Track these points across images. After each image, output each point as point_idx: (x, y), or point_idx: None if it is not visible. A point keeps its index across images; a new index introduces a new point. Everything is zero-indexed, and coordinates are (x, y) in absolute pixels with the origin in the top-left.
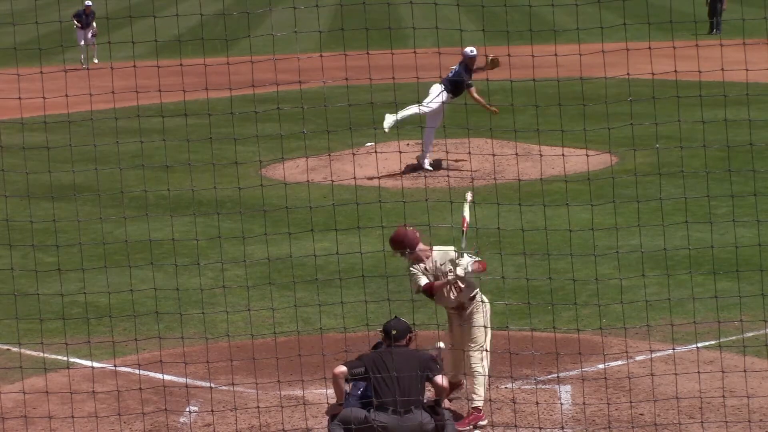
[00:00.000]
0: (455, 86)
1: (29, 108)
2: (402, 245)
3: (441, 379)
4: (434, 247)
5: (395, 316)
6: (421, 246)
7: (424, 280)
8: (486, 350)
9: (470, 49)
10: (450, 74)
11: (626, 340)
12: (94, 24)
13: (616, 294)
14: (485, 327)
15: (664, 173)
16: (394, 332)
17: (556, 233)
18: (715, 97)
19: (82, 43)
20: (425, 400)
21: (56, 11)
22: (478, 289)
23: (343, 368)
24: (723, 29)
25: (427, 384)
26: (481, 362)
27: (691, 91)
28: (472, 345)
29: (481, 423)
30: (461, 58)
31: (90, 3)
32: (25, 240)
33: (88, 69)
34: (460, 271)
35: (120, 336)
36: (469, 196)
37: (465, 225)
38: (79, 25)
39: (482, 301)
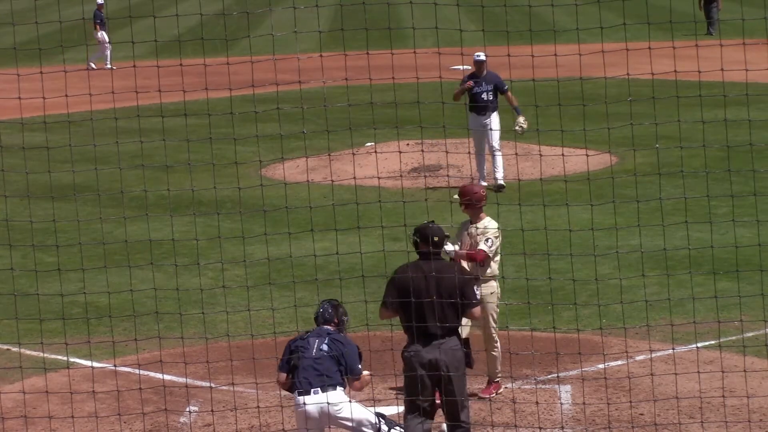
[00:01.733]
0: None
1: (29, 108)
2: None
3: (477, 312)
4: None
5: (432, 221)
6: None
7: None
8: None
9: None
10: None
11: (626, 340)
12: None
13: (616, 294)
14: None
15: (663, 173)
16: (436, 239)
17: (556, 233)
18: (715, 97)
19: (106, 43)
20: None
21: (56, 11)
22: (495, 282)
23: (385, 310)
24: (722, 29)
25: None
26: (497, 343)
27: (690, 91)
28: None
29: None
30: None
31: (102, 1)
32: (25, 240)
33: (112, 69)
34: (449, 247)
35: (120, 336)
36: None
37: None
38: (97, 26)
39: (491, 293)
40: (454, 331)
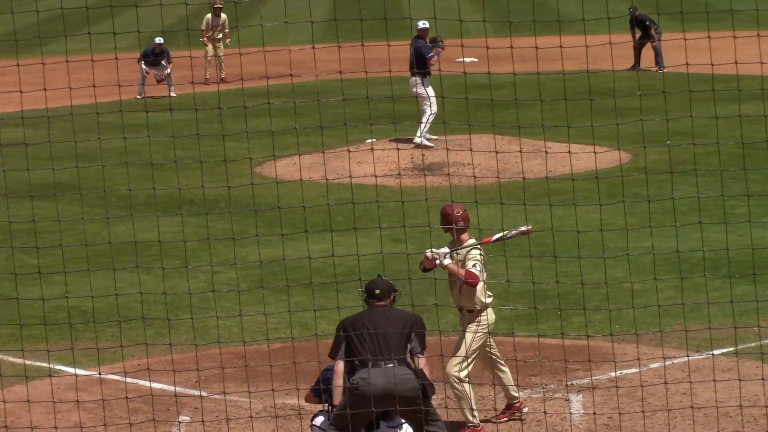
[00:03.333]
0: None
1: (5, 103)
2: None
3: (423, 362)
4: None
5: (378, 275)
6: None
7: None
8: (459, 378)
9: (422, 22)
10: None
11: (639, 347)
12: (167, 71)
13: (628, 298)
14: (466, 353)
15: (678, 171)
16: (377, 291)
17: (565, 234)
18: (730, 91)
19: (143, 74)
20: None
21: (33, 1)
22: (485, 314)
23: (340, 363)
24: (736, 20)
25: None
26: (459, 384)
27: (704, 85)
28: (453, 362)
29: None
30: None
31: (161, 41)
32: (5, 241)
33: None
34: (446, 260)
35: (106, 342)
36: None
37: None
38: (146, 69)
39: (476, 329)
40: (404, 361)
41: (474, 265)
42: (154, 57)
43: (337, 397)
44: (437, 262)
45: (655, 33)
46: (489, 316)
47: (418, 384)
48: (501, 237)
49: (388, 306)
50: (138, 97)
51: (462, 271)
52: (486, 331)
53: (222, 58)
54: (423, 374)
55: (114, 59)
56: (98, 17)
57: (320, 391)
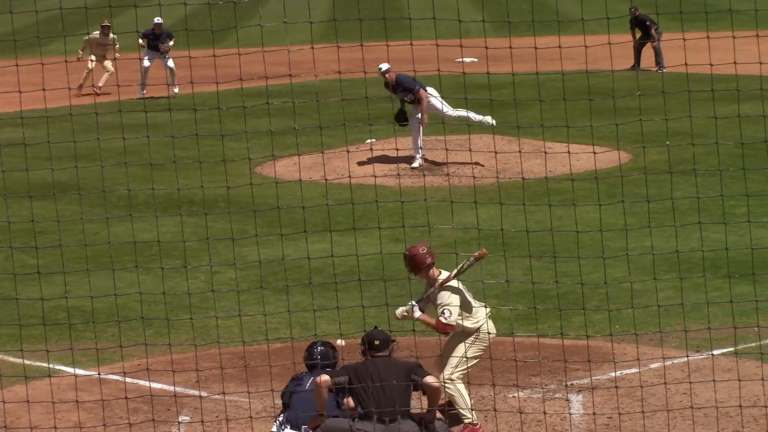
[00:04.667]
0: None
1: (4, 103)
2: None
3: (432, 379)
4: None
5: (375, 327)
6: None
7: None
8: (451, 379)
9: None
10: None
11: (638, 347)
12: (171, 43)
13: (628, 298)
14: (463, 357)
15: (679, 171)
16: (377, 342)
17: (565, 234)
18: (729, 91)
19: (146, 64)
20: (413, 411)
21: (32, 2)
22: (478, 333)
23: (326, 377)
24: (735, 20)
25: (415, 394)
26: (451, 384)
27: (703, 85)
28: (447, 366)
29: None
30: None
31: (160, 20)
32: (4, 241)
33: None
34: (416, 313)
35: (105, 342)
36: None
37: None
38: (143, 44)
39: (472, 341)
40: (408, 414)
41: (442, 313)
42: (154, 38)
43: (321, 407)
44: (410, 316)
45: (656, 33)
46: (489, 326)
47: None
48: (459, 270)
49: (388, 357)
50: (141, 95)
51: (433, 322)
52: (484, 340)
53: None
54: (430, 419)
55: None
56: (98, 17)
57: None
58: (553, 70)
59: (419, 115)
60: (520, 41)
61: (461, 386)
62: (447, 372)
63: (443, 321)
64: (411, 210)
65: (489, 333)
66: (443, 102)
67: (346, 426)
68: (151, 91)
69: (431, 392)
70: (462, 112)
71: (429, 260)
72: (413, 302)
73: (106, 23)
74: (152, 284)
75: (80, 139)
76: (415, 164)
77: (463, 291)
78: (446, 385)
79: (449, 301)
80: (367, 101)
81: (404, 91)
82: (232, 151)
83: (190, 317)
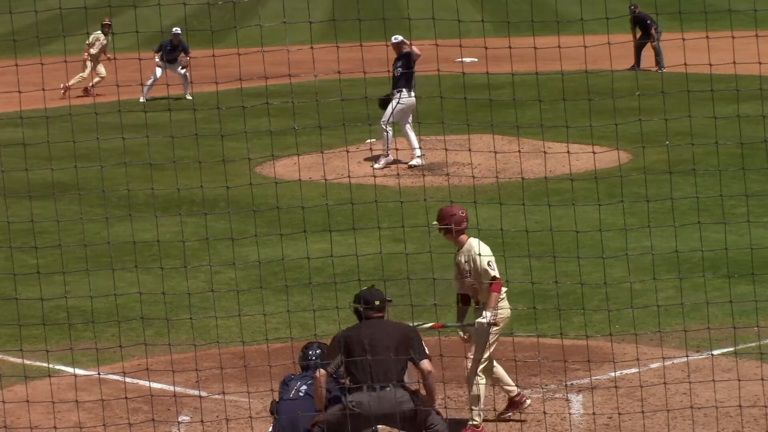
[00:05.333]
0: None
1: (5, 103)
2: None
3: (427, 364)
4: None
5: (372, 285)
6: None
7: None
8: (478, 375)
9: (394, 37)
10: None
11: (638, 347)
12: (187, 57)
13: (628, 298)
14: (485, 346)
15: (679, 171)
16: (377, 303)
17: (565, 234)
18: (729, 91)
19: (158, 75)
20: (408, 381)
21: (32, 2)
22: (500, 309)
23: (324, 371)
24: (734, 20)
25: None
26: (476, 384)
27: (702, 85)
28: (472, 362)
29: None
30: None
31: (179, 31)
32: (4, 241)
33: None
34: (485, 318)
35: (105, 342)
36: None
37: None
38: (158, 62)
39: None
40: (401, 383)
41: (489, 263)
42: (171, 50)
43: (320, 404)
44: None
45: (656, 33)
46: (505, 311)
47: (410, 407)
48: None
49: (382, 318)
50: (141, 100)
51: (492, 303)
52: (502, 326)
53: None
54: (428, 383)
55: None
56: (98, 17)
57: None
58: (552, 70)
59: (383, 120)
60: (520, 41)
61: (482, 389)
62: (477, 368)
63: (493, 274)
64: (411, 210)
65: (505, 317)
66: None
67: (339, 410)
68: (152, 92)
69: (424, 375)
70: (411, 136)
71: (465, 224)
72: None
73: (107, 22)
74: (152, 284)
75: (80, 139)
76: (414, 162)
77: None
78: (475, 383)
79: (488, 252)
80: (367, 101)
81: (405, 61)
82: (232, 151)
83: (190, 317)
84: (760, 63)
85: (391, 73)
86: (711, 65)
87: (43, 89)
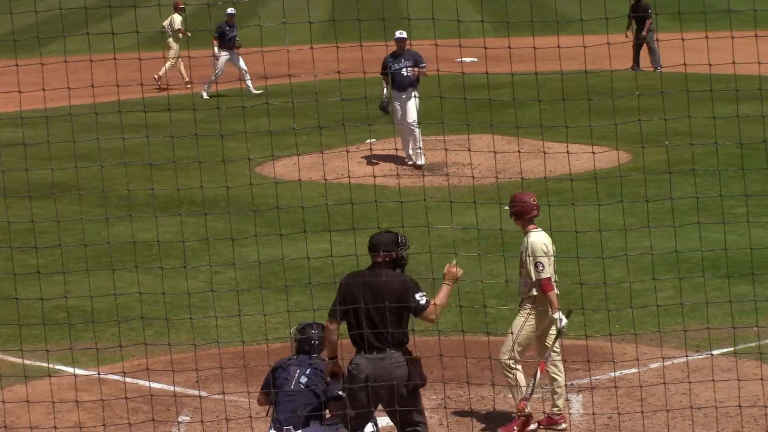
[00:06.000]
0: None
1: (5, 103)
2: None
3: (431, 312)
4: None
5: (386, 230)
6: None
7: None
8: (508, 366)
9: (400, 32)
10: (407, 72)
11: (638, 347)
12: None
13: (627, 298)
14: (515, 333)
15: (678, 171)
16: (381, 248)
17: (564, 234)
18: (728, 91)
19: (219, 68)
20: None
21: (32, 2)
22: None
23: (333, 325)
24: (733, 20)
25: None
26: (509, 371)
27: (702, 85)
28: (503, 348)
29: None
30: (406, 47)
31: (233, 11)
32: (4, 241)
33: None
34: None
35: (105, 342)
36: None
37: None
38: (216, 46)
39: (528, 313)
40: (399, 344)
41: (536, 265)
42: (230, 29)
43: (327, 353)
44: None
45: (648, 32)
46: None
47: (404, 373)
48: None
49: (386, 268)
50: (204, 96)
51: (554, 302)
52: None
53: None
54: (418, 364)
55: (113, 59)
56: (98, 18)
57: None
58: (552, 70)
59: (412, 120)
60: (520, 41)
61: (519, 375)
62: (504, 357)
63: (538, 276)
64: (411, 210)
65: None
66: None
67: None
68: (150, 91)
69: (426, 319)
70: (416, 133)
71: (535, 212)
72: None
73: (181, 6)
74: (152, 284)
75: (80, 140)
76: (421, 162)
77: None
78: (504, 372)
79: (541, 253)
80: (367, 101)
81: (411, 61)
82: (232, 151)
83: (190, 317)
84: (759, 63)
85: (386, 70)
86: (710, 65)
87: (44, 89)
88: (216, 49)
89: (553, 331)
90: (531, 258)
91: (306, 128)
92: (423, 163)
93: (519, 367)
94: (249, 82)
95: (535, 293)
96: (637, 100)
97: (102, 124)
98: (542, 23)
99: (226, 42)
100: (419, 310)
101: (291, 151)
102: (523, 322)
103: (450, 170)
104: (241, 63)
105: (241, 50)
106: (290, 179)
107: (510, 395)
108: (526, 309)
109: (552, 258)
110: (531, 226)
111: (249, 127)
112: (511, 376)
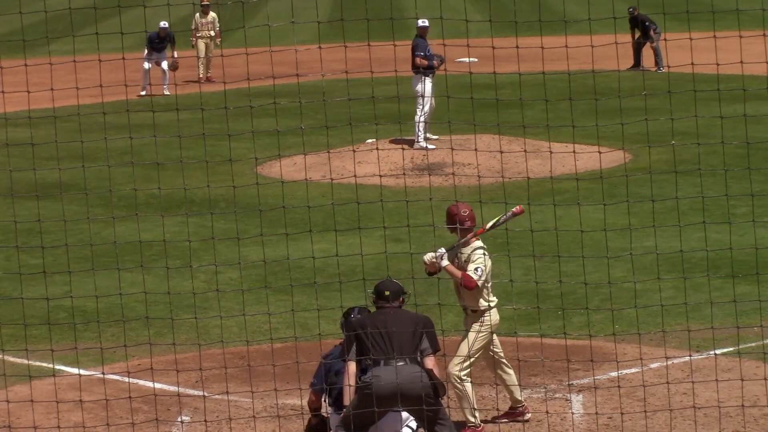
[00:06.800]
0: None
1: (12, 102)
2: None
3: (432, 363)
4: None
5: (387, 277)
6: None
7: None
8: (459, 377)
9: (421, 21)
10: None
11: (641, 347)
12: (175, 54)
13: (630, 298)
14: (468, 352)
15: (681, 171)
16: (387, 293)
17: (567, 234)
18: (734, 91)
19: (146, 66)
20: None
21: (41, 0)
22: (488, 315)
23: (352, 365)
24: (741, 20)
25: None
26: (460, 383)
27: (708, 85)
28: (453, 363)
29: None
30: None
31: (166, 24)
32: (8, 241)
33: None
34: (444, 261)
35: (108, 342)
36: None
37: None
38: (148, 59)
39: (479, 329)
40: (415, 360)
41: (475, 269)
42: (159, 42)
43: (347, 398)
44: (437, 264)
45: (654, 34)
46: (493, 316)
47: (428, 382)
48: (495, 223)
49: (397, 308)
50: (142, 94)
51: (459, 273)
52: (489, 331)
53: (210, 58)
54: (433, 374)
55: (121, 59)
56: (104, 16)
57: (323, 390)
58: (554, 70)
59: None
60: (521, 41)
61: (469, 387)
62: (456, 369)
63: (471, 275)
64: (413, 210)
65: (493, 323)
66: (424, 100)
67: (356, 398)
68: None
69: (429, 367)
70: (421, 123)
71: (468, 223)
72: (443, 249)
73: (205, 2)
74: (154, 284)
75: (78, 139)
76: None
77: (490, 265)
78: (454, 383)
79: (482, 263)
80: (374, 101)
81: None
82: (233, 151)
83: (192, 317)
84: (767, 62)
85: (421, 57)
86: (718, 65)
87: (52, 89)
88: (144, 57)
89: (496, 342)
90: (470, 263)
91: (308, 128)
92: (434, 146)
93: (469, 379)
94: (166, 82)
95: (480, 307)
96: (637, 100)
97: (99, 124)
98: (542, 23)
99: (154, 47)
100: (424, 352)
101: (292, 151)
102: (475, 338)
103: (451, 170)
104: (164, 65)
105: (249, 50)
106: (291, 179)
107: (462, 408)
108: (476, 325)
109: (489, 273)
110: (473, 240)
111: (247, 128)
112: (460, 387)
